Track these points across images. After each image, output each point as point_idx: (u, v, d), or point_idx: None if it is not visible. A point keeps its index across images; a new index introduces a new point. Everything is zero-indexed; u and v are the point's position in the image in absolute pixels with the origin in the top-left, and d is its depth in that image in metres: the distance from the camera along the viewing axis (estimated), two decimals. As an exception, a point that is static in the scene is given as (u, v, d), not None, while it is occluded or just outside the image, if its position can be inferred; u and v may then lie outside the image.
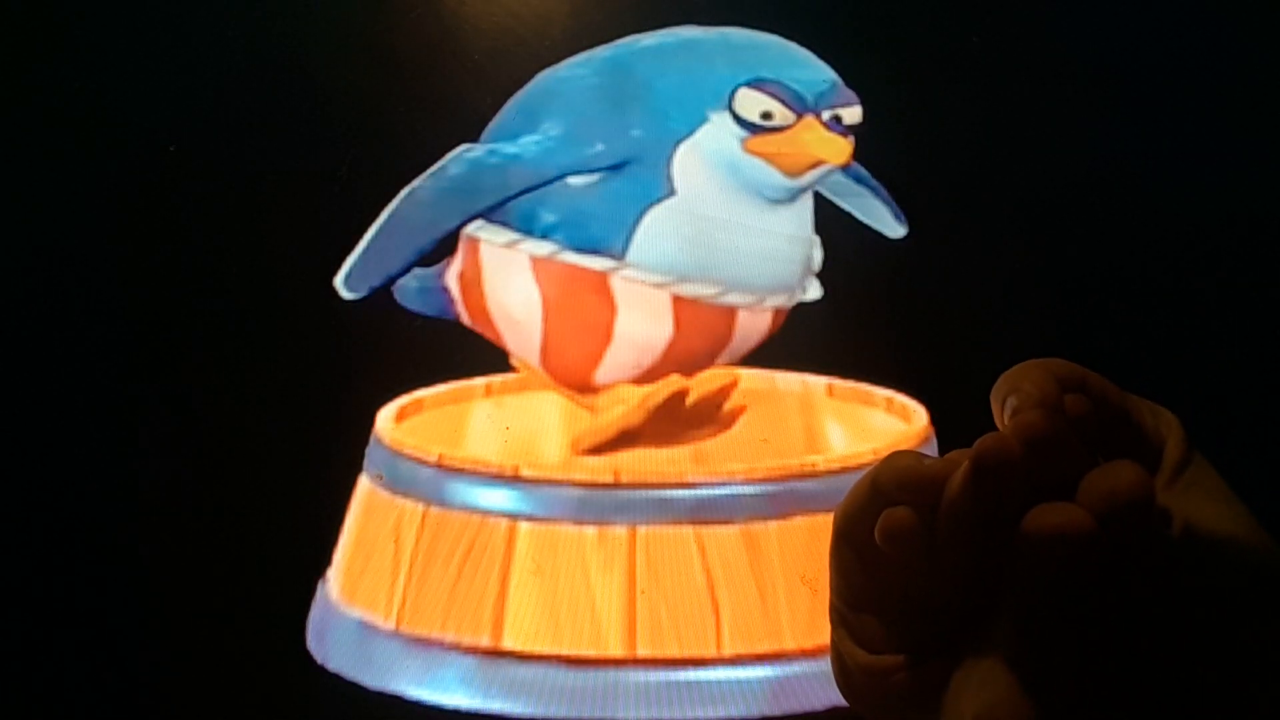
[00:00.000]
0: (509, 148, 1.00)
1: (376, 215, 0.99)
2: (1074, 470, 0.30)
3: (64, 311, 1.08)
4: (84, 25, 1.05)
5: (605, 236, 0.99)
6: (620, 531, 0.96)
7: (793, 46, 1.00)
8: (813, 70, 0.99)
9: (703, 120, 0.98)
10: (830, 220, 1.04)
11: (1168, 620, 0.31)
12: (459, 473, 0.99)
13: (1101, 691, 0.31)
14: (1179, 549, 0.31)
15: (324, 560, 1.05)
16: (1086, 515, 0.29)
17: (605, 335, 1.01)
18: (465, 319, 1.06)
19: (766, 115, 0.96)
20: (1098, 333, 1.07)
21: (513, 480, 0.97)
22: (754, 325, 1.03)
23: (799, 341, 1.06)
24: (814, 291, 1.05)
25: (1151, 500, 0.30)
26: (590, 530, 0.96)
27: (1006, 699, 0.31)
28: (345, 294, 0.99)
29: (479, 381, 1.11)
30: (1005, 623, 0.32)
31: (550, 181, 0.98)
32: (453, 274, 1.05)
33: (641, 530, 0.96)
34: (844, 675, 0.37)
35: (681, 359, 1.03)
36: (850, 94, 0.98)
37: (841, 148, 0.97)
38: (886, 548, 0.33)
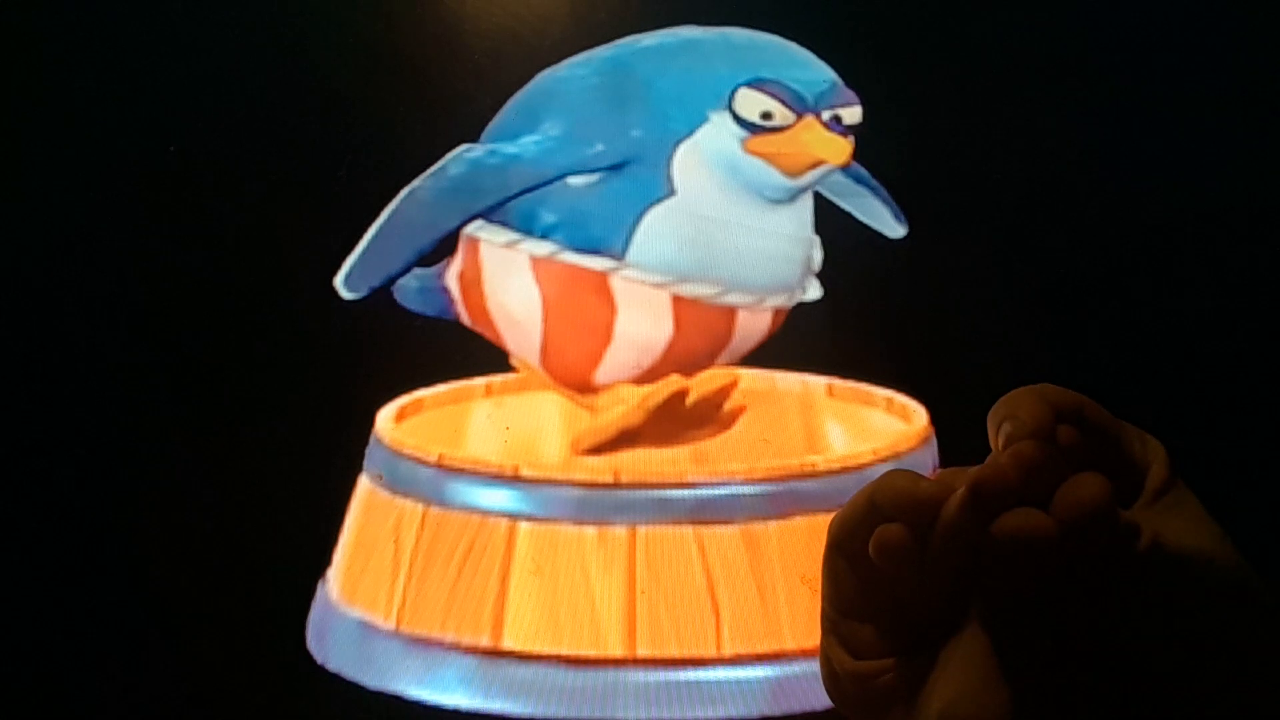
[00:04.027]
0: (509, 148, 1.00)
1: (376, 215, 0.99)
2: (1057, 488, 0.32)
3: (62, 311, 1.08)
4: (82, 24, 1.05)
5: (605, 236, 0.99)
6: (620, 531, 0.96)
7: (793, 46, 1.00)
8: (813, 70, 0.99)
9: (703, 120, 0.98)
10: (830, 220, 1.04)
11: (1131, 627, 0.33)
12: (459, 473, 0.99)
13: (1064, 689, 0.33)
14: (1146, 560, 0.33)
15: (324, 560, 1.05)
16: (1047, 519, 0.31)
17: (605, 335, 1.01)
18: (465, 319, 1.06)
19: (766, 115, 0.96)
20: (1096, 334, 1.07)
21: (513, 480, 0.98)
22: (754, 325, 1.04)
23: (799, 341, 1.06)
24: (814, 291, 1.05)
25: (1111, 508, 0.31)
26: (590, 530, 0.96)
27: (970, 692, 0.33)
28: (345, 294, 0.99)
29: (479, 381, 1.11)
30: (974, 620, 0.34)
31: (550, 181, 0.98)
32: (453, 274, 1.05)
33: (641, 530, 0.96)
34: (832, 679, 0.38)
35: (681, 359, 1.03)
36: (850, 94, 0.98)
37: (841, 148, 0.97)
38: (880, 562, 0.34)
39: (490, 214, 1.00)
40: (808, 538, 0.97)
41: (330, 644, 1.02)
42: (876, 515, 0.34)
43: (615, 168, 0.98)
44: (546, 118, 1.00)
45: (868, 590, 0.36)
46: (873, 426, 1.09)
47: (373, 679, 0.99)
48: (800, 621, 0.95)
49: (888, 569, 0.34)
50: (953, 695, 0.33)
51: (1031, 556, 0.31)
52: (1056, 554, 0.31)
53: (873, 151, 1.01)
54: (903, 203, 1.06)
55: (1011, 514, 0.31)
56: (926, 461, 1.03)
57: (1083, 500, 0.31)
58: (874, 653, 0.37)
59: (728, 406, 1.06)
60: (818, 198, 1.04)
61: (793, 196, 1.01)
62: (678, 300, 1.00)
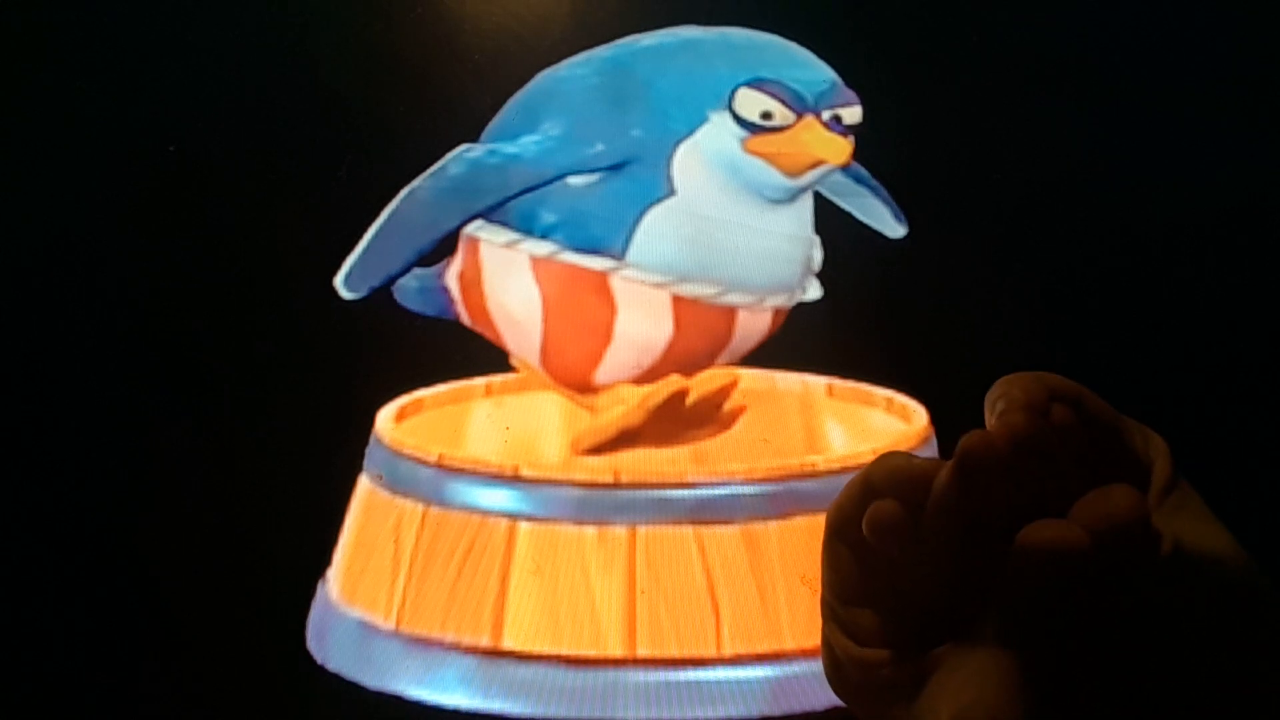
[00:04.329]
0: (509, 148, 1.00)
1: (376, 215, 0.99)
2: (1057, 478, 0.32)
3: (62, 311, 1.08)
4: (82, 24, 1.05)
5: (605, 236, 0.99)
6: (620, 531, 0.96)
7: (793, 46, 1.00)
8: (813, 70, 0.99)
9: (703, 120, 0.98)
10: (830, 220, 1.04)
11: (1152, 635, 0.32)
12: (459, 473, 0.99)
13: (1081, 700, 0.32)
14: (1166, 567, 0.32)
15: (324, 560, 1.05)
16: (1081, 532, 0.30)
17: (605, 335, 1.01)
18: (465, 319, 1.06)
19: (766, 115, 0.96)
20: (1096, 333, 1.07)
21: (513, 480, 0.97)
22: (754, 325, 1.03)
23: (799, 341, 1.06)
24: (814, 291, 1.05)
25: (1146, 523, 0.31)
26: (590, 530, 0.96)
27: (984, 702, 0.32)
28: (345, 294, 0.99)
29: (479, 381, 1.11)
30: (991, 628, 0.33)
31: (550, 181, 0.98)
32: (453, 274, 1.05)
33: (641, 530, 0.96)
34: (834, 667, 0.38)
35: (681, 359, 1.03)
36: (850, 94, 0.98)
37: (841, 148, 0.97)
38: (873, 540, 0.34)
39: (490, 214, 1.00)
40: (808, 538, 0.97)
41: (330, 644, 1.02)
42: (871, 495, 0.34)
43: (615, 168, 0.98)
44: (546, 118, 1.00)
45: (867, 576, 0.36)
46: (873, 426, 1.09)
47: (373, 679, 0.99)
48: (800, 621, 0.95)
49: (882, 546, 0.34)
50: (968, 702, 0.33)
51: (1061, 568, 0.30)
52: (1087, 566, 0.30)
53: (873, 151, 1.01)
54: (903, 203, 1.06)
55: (1041, 524, 0.31)
56: (926, 461, 1.03)
57: (1116, 512, 0.30)
58: (875, 641, 0.36)
59: (728, 406, 1.06)
60: (818, 198, 1.04)
61: (793, 196, 1.01)
62: (678, 300, 1.00)
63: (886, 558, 0.35)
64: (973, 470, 0.31)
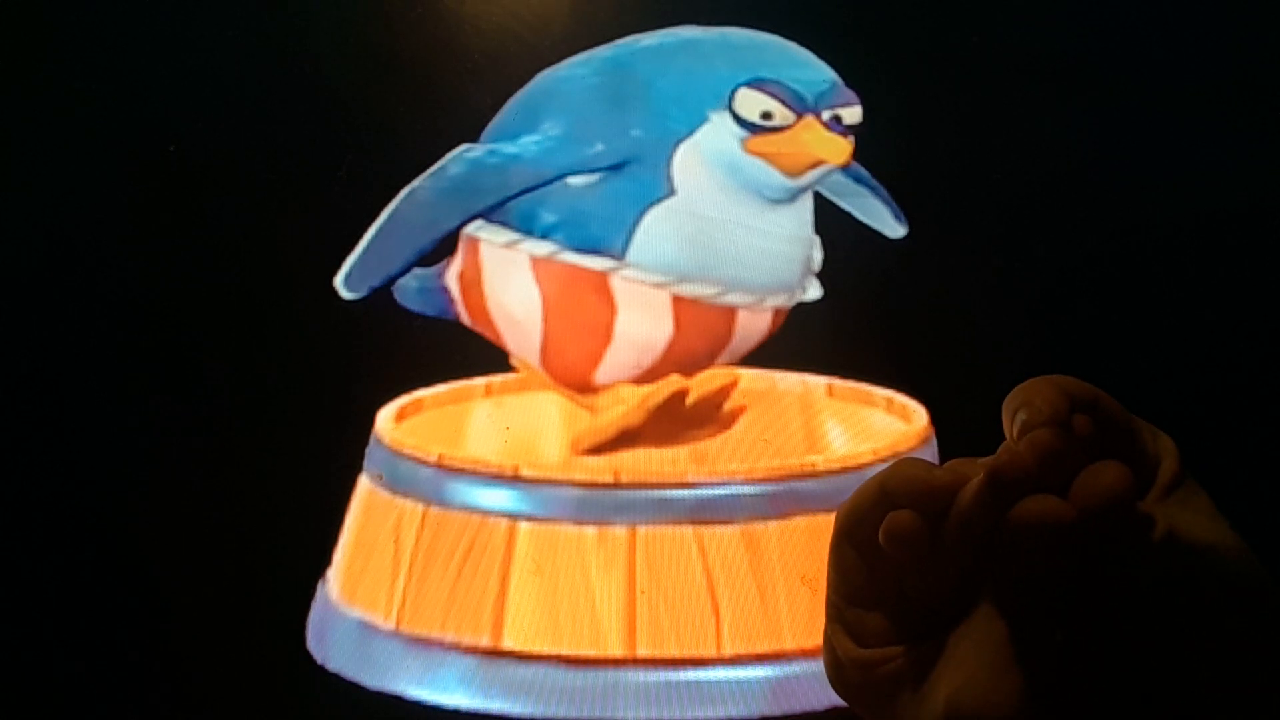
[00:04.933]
0: (509, 148, 1.00)
1: (376, 215, 0.99)
2: (1070, 479, 0.32)
3: (62, 311, 1.08)
4: (82, 24, 1.05)
5: (605, 236, 0.99)
6: (620, 531, 0.96)
7: (793, 46, 1.01)
8: (813, 70, 0.99)
9: (703, 120, 0.98)
10: (830, 220, 1.04)
11: (1145, 618, 0.33)
12: (459, 473, 0.99)
13: (1074, 678, 0.33)
14: (1160, 552, 0.33)
15: (324, 560, 1.05)
16: (1067, 506, 0.31)
17: (605, 335, 1.01)
18: (465, 319, 1.06)
19: (766, 115, 0.96)
20: (1095, 333, 1.07)
21: (513, 480, 0.98)
22: (754, 325, 1.04)
23: (799, 341, 1.06)
24: (814, 291, 1.05)
25: (1130, 494, 0.31)
26: (590, 530, 0.96)
27: (979, 679, 0.33)
28: (345, 294, 0.99)
29: (479, 381, 1.11)
30: (985, 607, 0.34)
31: (550, 181, 0.98)
32: (453, 274, 1.05)
33: (641, 530, 0.96)
34: (836, 668, 0.38)
35: (681, 359, 1.03)
36: (850, 94, 0.98)
37: (841, 148, 0.97)
38: (890, 549, 0.34)
39: (490, 214, 1.00)
40: (808, 538, 0.97)
41: (330, 644, 1.02)
42: (888, 502, 0.34)
43: (615, 168, 0.98)
44: (546, 118, 1.00)
45: (875, 578, 0.36)
46: (873, 426, 1.09)
47: (373, 679, 0.99)
48: (800, 621, 0.95)
49: (898, 556, 0.34)
50: (961, 682, 0.33)
51: (1049, 542, 0.31)
52: (1074, 540, 0.31)
53: (873, 151, 1.01)
54: (903, 203, 1.06)
55: (1031, 499, 0.31)
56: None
57: (1103, 487, 0.31)
58: (880, 640, 0.36)
59: (728, 406, 1.06)
60: (818, 198, 1.04)
61: (793, 196, 1.01)
62: (678, 300, 1.00)
63: (895, 562, 0.35)
64: (1003, 487, 0.32)
